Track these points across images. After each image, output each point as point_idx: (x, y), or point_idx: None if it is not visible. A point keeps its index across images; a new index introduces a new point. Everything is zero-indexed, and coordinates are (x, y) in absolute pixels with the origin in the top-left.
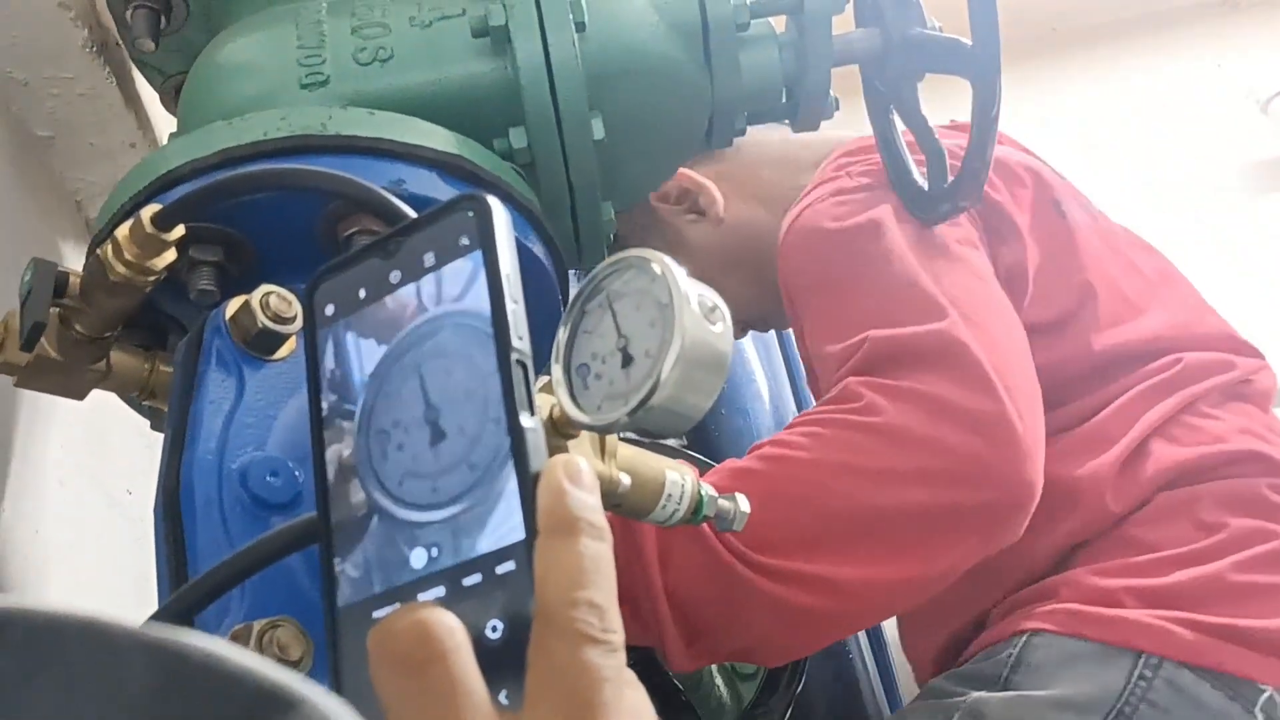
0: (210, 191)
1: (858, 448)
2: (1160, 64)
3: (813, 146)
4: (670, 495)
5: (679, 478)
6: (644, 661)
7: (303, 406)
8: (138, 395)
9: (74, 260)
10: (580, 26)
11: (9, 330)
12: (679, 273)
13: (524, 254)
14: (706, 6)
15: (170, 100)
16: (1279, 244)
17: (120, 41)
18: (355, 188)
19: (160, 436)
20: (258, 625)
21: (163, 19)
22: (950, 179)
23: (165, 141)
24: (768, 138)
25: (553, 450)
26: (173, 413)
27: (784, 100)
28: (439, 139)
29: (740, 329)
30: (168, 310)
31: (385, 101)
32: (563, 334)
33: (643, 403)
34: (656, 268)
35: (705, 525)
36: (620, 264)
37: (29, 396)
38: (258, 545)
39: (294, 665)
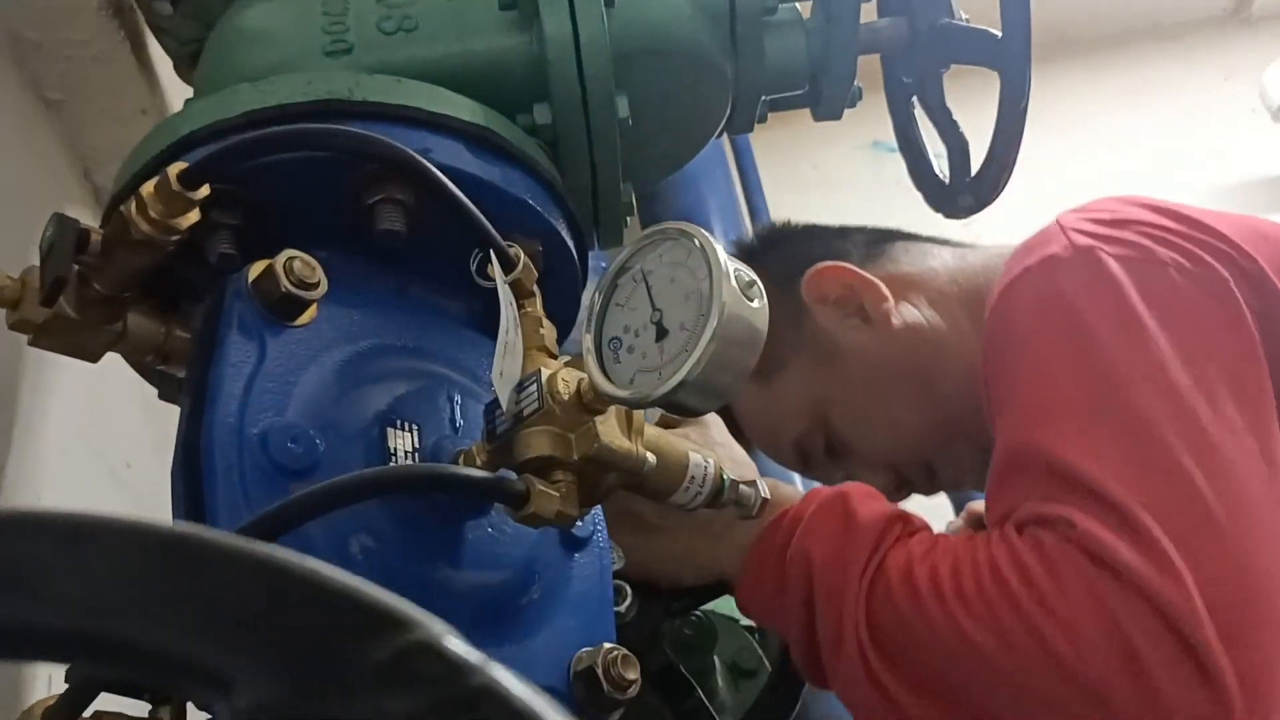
0: (242, 148)
1: (1028, 667)
2: (1168, 75)
3: (993, 252)
4: (694, 477)
5: (701, 460)
6: (653, 651)
7: (323, 373)
8: (151, 359)
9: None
10: (609, 2)
11: (26, 286)
12: (718, 246)
13: (549, 234)
14: None
15: (185, 67)
16: None
17: (136, 5)
18: (395, 153)
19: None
20: None
21: None
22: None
23: (176, 109)
24: (938, 244)
25: (579, 427)
26: (191, 376)
27: (807, 88)
28: (466, 109)
29: (896, 482)
30: (183, 273)
31: (408, 72)
32: (594, 307)
33: (678, 377)
34: (695, 241)
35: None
36: (655, 237)
37: (32, 363)
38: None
39: None
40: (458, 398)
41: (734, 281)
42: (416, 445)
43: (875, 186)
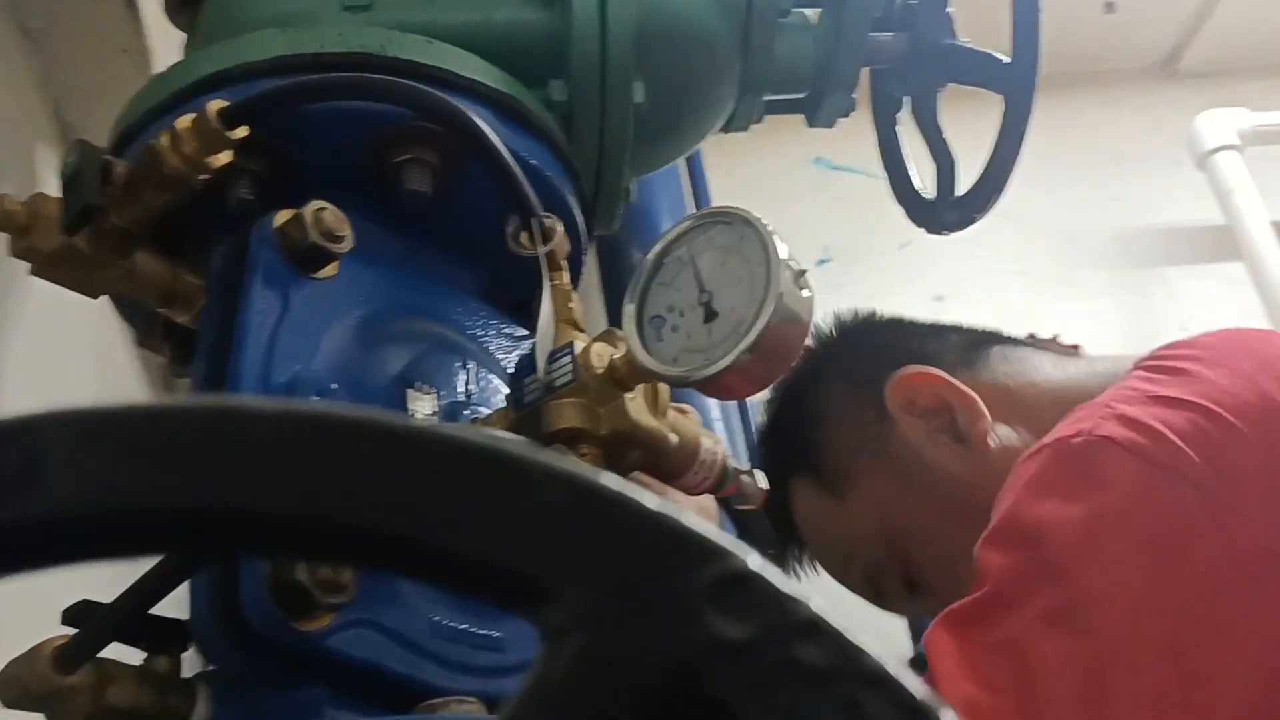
0: (299, 90)
1: None
2: (1098, 120)
3: (1098, 369)
4: (703, 461)
5: (711, 445)
6: None
7: (345, 329)
8: (154, 301)
9: (45, 162)
10: None
11: (35, 214)
12: (775, 233)
13: (564, 211)
14: None
15: (174, 9)
16: (1208, 303)
17: None
18: (454, 112)
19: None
20: None
21: None
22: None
23: (158, 51)
24: (1037, 350)
25: (609, 402)
26: (211, 321)
27: (809, 92)
28: (493, 77)
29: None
30: (192, 217)
31: (427, 34)
32: (636, 285)
33: (728, 359)
34: (751, 226)
35: None
36: (706, 218)
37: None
38: None
39: None
40: (470, 364)
41: (789, 270)
42: (436, 408)
43: (818, 201)
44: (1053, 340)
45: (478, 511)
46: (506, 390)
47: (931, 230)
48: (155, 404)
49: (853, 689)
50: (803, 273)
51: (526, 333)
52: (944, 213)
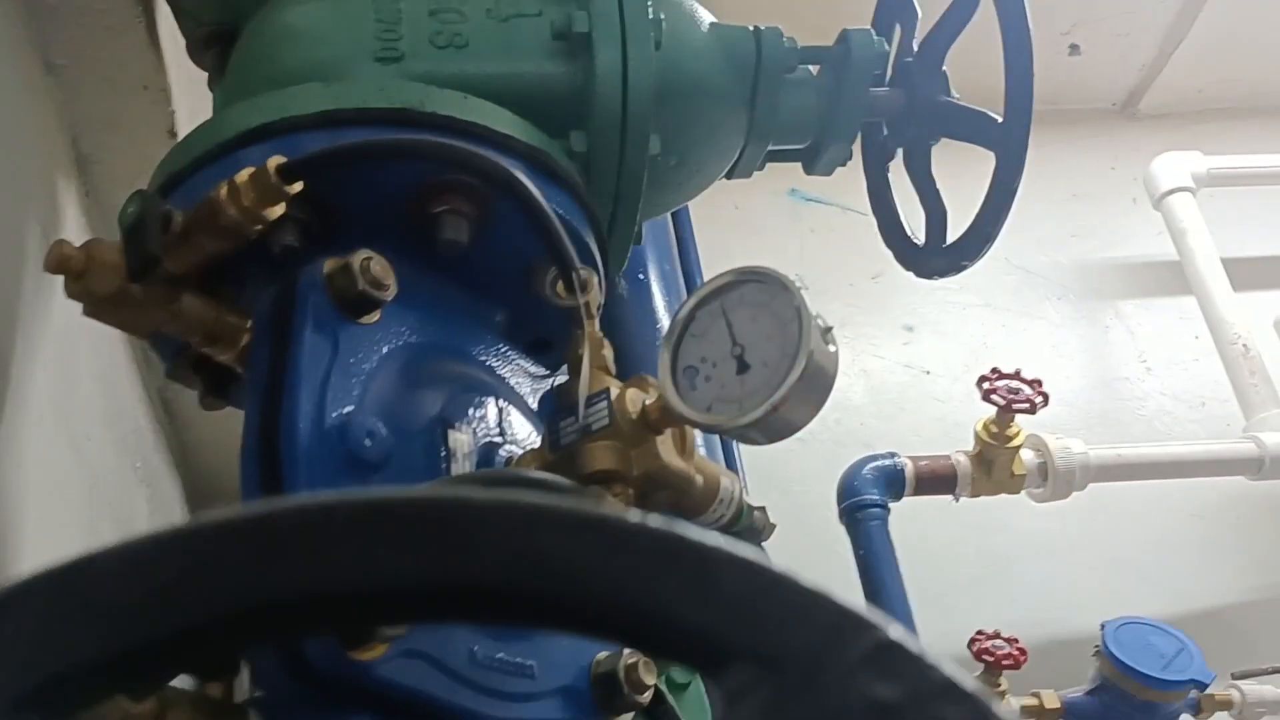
0: (359, 151)
1: None
2: (1060, 158)
3: None
4: (722, 500)
5: (730, 484)
6: None
7: (389, 371)
8: (198, 340)
9: (60, 191)
10: (658, 44)
11: (92, 259)
12: (805, 290)
13: (587, 259)
14: (762, 46)
15: (198, 49)
16: (1163, 334)
17: None
18: (501, 172)
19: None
20: None
21: None
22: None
23: (177, 88)
24: None
25: (641, 445)
26: (261, 363)
27: (810, 143)
28: (524, 131)
29: None
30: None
31: (455, 87)
32: (670, 336)
33: (761, 410)
34: (784, 285)
35: None
36: (739, 276)
37: (22, 330)
38: None
39: None
40: (500, 403)
41: (818, 327)
42: (473, 447)
43: (792, 232)
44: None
45: (676, 591)
46: (531, 427)
47: (920, 275)
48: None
49: None
50: (829, 329)
51: (546, 372)
52: (933, 259)
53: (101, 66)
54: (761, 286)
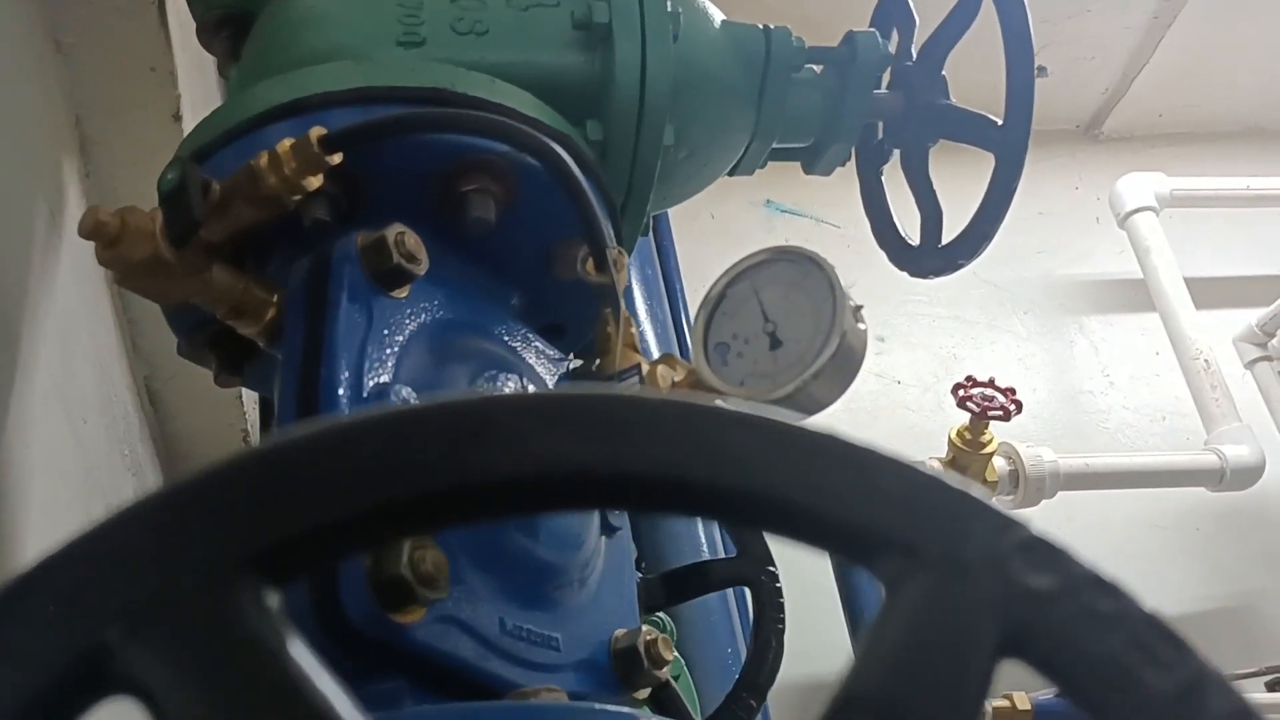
0: (405, 122)
1: None
2: (1025, 177)
3: None
4: None
5: None
6: None
7: (421, 344)
8: (222, 311)
9: (62, 170)
10: (675, 38)
11: (126, 225)
12: (838, 273)
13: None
14: (772, 44)
15: (207, 32)
16: (1126, 349)
17: None
18: (548, 151)
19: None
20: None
21: None
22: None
23: (183, 72)
24: None
25: None
26: (295, 334)
27: (812, 141)
28: (549, 116)
29: None
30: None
31: (475, 71)
32: (701, 313)
33: (794, 384)
34: (817, 264)
35: None
36: (770, 255)
37: (30, 311)
38: None
39: None
40: (524, 380)
41: (850, 306)
42: None
43: (767, 243)
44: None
45: (839, 487)
46: None
47: (915, 274)
48: (584, 393)
49: (1138, 628)
50: (860, 308)
51: (561, 355)
52: (928, 259)
53: (110, 47)
54: (793, 265)
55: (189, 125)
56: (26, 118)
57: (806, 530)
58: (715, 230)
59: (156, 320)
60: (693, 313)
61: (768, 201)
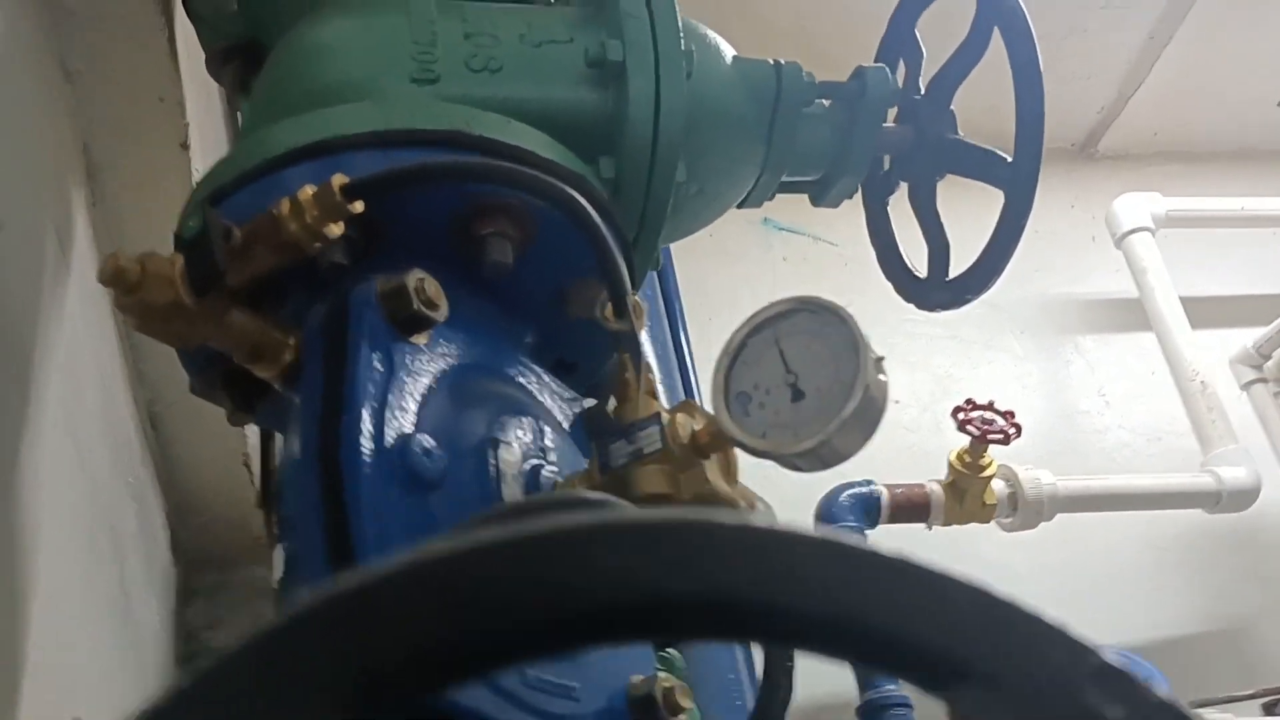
0: (424, 173)
1: None
2: None
3: None
4: None
5: (764, 508)
6: None
7: (441, 390)
8: (240, 355)
9: (69, 197)
10: (689, 75)
11: (147, 271)
12: (859, 325)
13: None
14: (782, 80)
15: (216, 62)
16: (1122, 368)
17: None
18: (570, 200)
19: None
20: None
21: None
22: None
23: (191, 100)
24: None
25: (690, 469)
26: (314, 380)
27: (821, 175)
28: (563, 156)
29: None
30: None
31: (489, 109)
32: (722, 363)
33: (818, 437)
34: (839, 316)
35: None
36: (790, 305)
37: (41, 342)
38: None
39: None
40: (540, 423)
41: (872, 358)
42: (521, 467)
43: (765, 260)
44: None
45: (911, 611)
46: (568, 447)
47: (922, 307)
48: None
49: None
50: (881, 359)
51: (574, 394)
52: (935, 293)
53: (119, 75)
54: (814, 316)
55: (196, 154)
56: (36, 145)
57: (883, 659)
58: (713, 247)
59: (159, 345)
60: (691, 331)
61: (765, 219)
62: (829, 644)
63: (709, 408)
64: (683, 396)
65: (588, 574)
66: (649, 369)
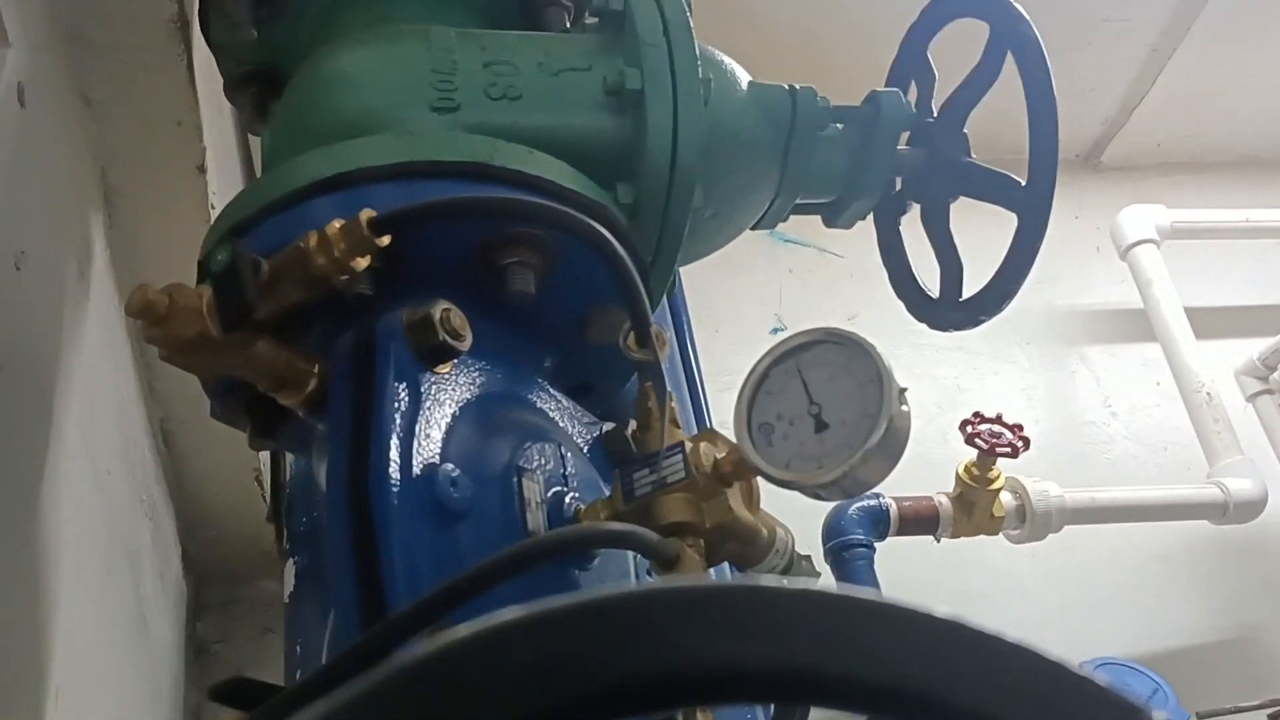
0: (451, 208)
1: None
2: None
3: None
4: (778, 550)
5: (785, 535)
6: None
7: (466, 420)
8: (265, 384)
9: (87, 222)
10: (706, 102)
11: (175, 304)
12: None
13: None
14: (797, 105)
15: (234, 89)
16: (1128, 380)
17: (199, 20)
18: (593, 233)
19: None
20: None
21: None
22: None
23: (209, 126)
24: None
25: (713, 497)
26: (342, 410)
27: (835, 197)
28: (584, 185)
29: None
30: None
31: (509, 137)
32: (744, 393)
33: (842, 468)
34: (864, 349)
35: None
36: (812, 336)
37: (62, 356)
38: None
39: None
40: (561, 450)
41: (896, 390)
42: (544, 495)
43: (770, 272)
44: None
45: (962, 674)
46: (589, 473)
47: (935, 327)
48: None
49: None
50: (904, 390)
51: (593, 418)
52: (949, 313)
53: (137, 101)
54: (838, 347)
55: (213, 178)
56: (58, 174)
57: None
58: (718, 258)
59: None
60: (698, 343)
61: (772, 231)
62: (879, 707)
63: (713, 415)
64: (690, 409)
65: (657, 647)
66: (672, 397)
